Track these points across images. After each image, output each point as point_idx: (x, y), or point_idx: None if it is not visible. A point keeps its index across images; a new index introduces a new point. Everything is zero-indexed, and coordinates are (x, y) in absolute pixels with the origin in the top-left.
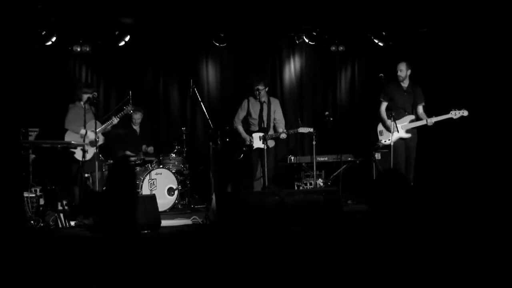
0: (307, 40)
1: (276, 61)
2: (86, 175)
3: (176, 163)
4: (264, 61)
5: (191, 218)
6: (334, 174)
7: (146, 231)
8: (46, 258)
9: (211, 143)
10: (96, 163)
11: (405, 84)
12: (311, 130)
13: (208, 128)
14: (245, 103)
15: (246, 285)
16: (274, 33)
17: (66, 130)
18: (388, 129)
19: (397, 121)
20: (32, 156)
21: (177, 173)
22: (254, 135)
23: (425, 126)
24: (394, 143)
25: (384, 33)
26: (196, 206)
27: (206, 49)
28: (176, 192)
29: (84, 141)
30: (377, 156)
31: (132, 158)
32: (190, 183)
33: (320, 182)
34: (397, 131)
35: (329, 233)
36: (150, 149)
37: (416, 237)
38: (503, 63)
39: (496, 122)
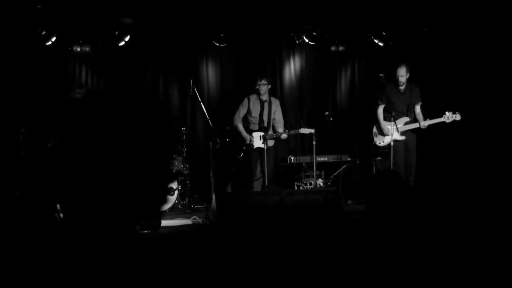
0: (307, 40)
1: (276, 61)
2: None
3: (176, 163)
4: (264, 61)
5: (191, 218)
6: (334, 174)
7: (146, 231)
8: (46, 258)
9: (211, 143)
10: None
11: (403, 86)
12: (312, 131)
13: (208, 128)
14: (246, 100)
15: (246, 285)
16: (274, 33)
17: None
18: (381, 131)
19: (392, 123)
20: None
21: (177, 173)
22: (254, 134)
23: (420, 128)
24: (394, 144)
25: (384, 33)
26: (196, 206)
27: (206, 49)
28: (176, 192)
29: None
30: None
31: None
32: (190, 183)
33: (320, 182)
34: (391, 133)
35: (329, 233)
36: None
37: (416, 237)
38: (503, 63)
39: (496, 122)
